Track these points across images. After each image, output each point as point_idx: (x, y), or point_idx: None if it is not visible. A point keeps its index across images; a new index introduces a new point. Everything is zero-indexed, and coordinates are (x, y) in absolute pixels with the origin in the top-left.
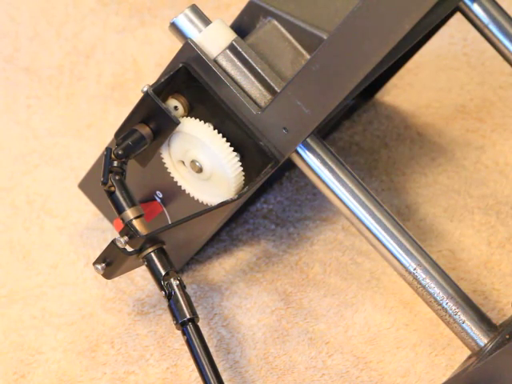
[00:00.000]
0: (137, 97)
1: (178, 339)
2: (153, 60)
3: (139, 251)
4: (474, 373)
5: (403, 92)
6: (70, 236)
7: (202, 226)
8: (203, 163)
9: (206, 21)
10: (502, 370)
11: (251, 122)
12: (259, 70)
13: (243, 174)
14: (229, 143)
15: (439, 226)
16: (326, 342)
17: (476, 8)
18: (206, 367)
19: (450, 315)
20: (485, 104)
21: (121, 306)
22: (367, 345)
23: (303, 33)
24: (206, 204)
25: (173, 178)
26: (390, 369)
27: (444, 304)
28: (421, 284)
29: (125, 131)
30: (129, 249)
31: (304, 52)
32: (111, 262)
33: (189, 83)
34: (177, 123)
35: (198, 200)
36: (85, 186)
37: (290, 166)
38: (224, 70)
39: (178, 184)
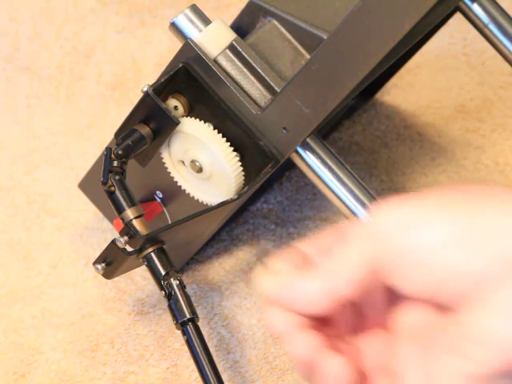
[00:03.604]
0: (137, 97)
1: (178, 339)
2: (153, 60)
3: (139, 251)
4: None
5: (403, 92)
6: (70, 236)
7: (201, 226)
8: (203, 163)
9: (206, 21)
10: None
11: (251, 121)
12: (259, 70)
13: (243, 173)
14: (229, 143)
15: None
16: None
17: (476, 8)
18: (206, 367)
19: None
20: (485, 104)
21: (121, 305)
22: None
23: (303, 33)
24: (206, 204)
25: (173, 177)
26: None
27: None
28: None
29: (125, 131)
30: (129, 249)
31: (304, 52)
32: (111, 261)
33: (189, 83)
34: (177, 123)
35: (198, 200)
36: (85, 185)
37: (289, 165)
38: (224, 70)
39: (178, 184)
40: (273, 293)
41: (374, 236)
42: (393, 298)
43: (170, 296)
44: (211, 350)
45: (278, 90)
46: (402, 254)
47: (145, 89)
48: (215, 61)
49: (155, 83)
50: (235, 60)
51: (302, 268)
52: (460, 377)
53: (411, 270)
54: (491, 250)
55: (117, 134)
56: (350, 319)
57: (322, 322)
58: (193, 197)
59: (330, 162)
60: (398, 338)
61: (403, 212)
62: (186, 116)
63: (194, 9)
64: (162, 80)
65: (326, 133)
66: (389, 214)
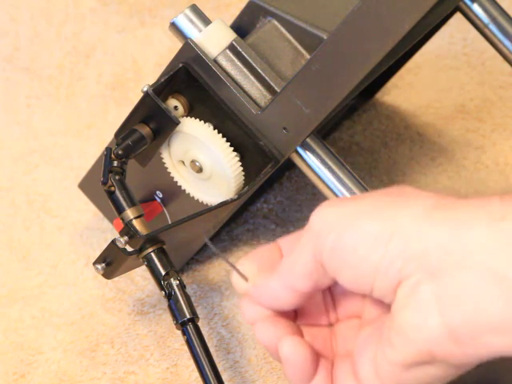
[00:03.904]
0: (137, 97)
1: (178, 339)
2: (153, 60)
3: (139, 251)
4: (474, 372)
5: (403, 92)
6: (70, 236)
7: (201, 226)
8: (203, 163)
9: (206, 21)
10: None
11: (251, 121)
12: (259, 70)
13: (243, 173)
14: (229, 143)
15: None
16: None
17: (476, 8)
18: (206, 367)
19: None
20: (485, 104)
21: (121, 305)
22: None
23: (303, 33)
24: (206, 204)
25: (173, 177)
26: None
27: None
28: None
29: (125, 131)
30: (129, 249)
31: (304, 52)
32: (111, 261)
33: (189, 83)
34: (177, 123)
35: (198, 200)
36: (85, 185)
37: (289, 165)
38: (224, 70)
39: (178, 184)
40: (244, 293)
41: (312, 235)
42: None
43: (170, 296)
44: (211, 350)
45: (278, 90)
46: (333, 252)
47: (145, 89)
48: (215, 61)
49: (155, 83)
50: (235, 60)
51: (269, 266)
52: (390, 364)
53: (340, 266)
54: (406, 251)
55: (117, 134)
56: (327, 309)
57: (296, 314)
58: (193, 197)
59: (329, 162)
60: (362, 325)
61: (335, 214)
62: (186, 116)
63: (194, 9)
64: (162, 80)
65: (326, 133)
66: (323, 214)
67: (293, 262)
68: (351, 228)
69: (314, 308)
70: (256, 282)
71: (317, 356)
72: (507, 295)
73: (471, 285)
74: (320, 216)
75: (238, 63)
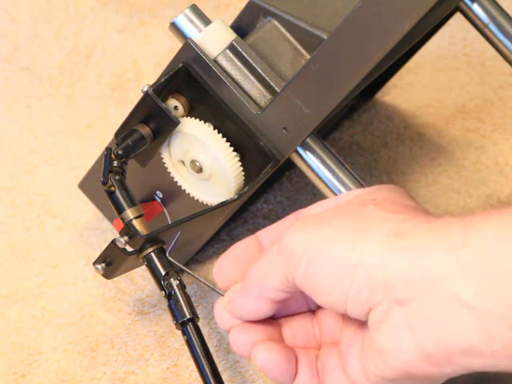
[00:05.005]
0: (137, 97)
1: (178, 339)
2: (153, 60)
3: (139, 251)
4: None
5: (403, 92)
6: (70, 236)
7: (201, 226)
8: (203, 163)
9: (206, 21)
10: None
11: (251, 121)
12: (259, 70)
13: (243, 174)
14: (229, 143)
15: None
16: None
17: (476, 8)
18: (205, 367)
19: None
20: (485, 104)
21: (121, 305)
22: None
23: (303, 33)
24: (206, 204)
25: (173, 177)
26: None
27: None
28: None
29: (125, 131)
30: (129, 249)
31: (304, 52)
32: (111, 261)
33: (189, 83)
34: (177, 123)
35: (198, 200)
36: (85, 185)
37: (289, 165)
38: (224, 70)
39: (178, 184)
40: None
41: (283, 258)
42: None
43: (170, 296)
44: (211, 350)
45: (278, 90)
46: (305, 278)
47: (145, 89)
48: (215, 61)
49: (155, 83)
50: (235, 60)
51: (249, 263)
52: (373, 374)
53: (313, 291)
54: (371, 282)
55: (117, 134)
56: (306, 296)
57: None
58: (193, 197)
59: (329, 162)
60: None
61: (303, 239)
62: (186, 116)
63: (194, 9)
64: (162, 80)
65: (326, 133)
66: (293, 240)
67: (262, 276)
68: (319, 257)
69: (292, 299)
70: (230, 298)
71: (294, 355)
72: (473, 322)
73: (438, 312)
74: (289, 240)
75: (238, 63)
